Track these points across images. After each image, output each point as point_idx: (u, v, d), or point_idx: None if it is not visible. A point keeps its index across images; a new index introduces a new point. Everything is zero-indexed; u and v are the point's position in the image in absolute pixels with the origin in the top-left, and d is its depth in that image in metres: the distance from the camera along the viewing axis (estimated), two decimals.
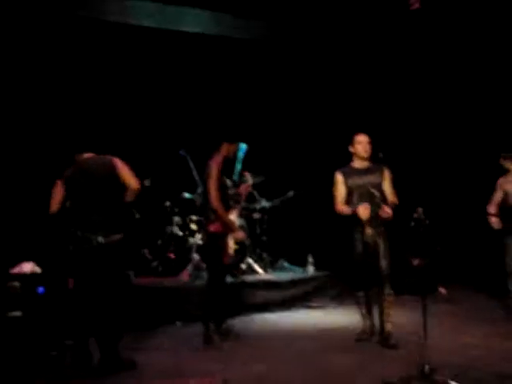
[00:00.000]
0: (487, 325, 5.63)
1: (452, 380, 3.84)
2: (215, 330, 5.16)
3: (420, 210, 4.18)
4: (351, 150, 5.17)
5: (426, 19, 7.98)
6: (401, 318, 5.46)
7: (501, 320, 5.86)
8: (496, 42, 7.92)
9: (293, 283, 7.08)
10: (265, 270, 7.35)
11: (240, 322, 5.97)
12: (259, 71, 8.37)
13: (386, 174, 5.11)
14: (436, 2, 7.78)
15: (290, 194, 7.72)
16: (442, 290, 6.89)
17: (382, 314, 5.02)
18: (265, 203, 7.65)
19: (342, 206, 5.10)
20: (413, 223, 4.12)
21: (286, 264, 7.83)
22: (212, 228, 5.24)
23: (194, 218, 7.24)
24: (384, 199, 5.00)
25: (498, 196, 6.03)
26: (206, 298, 5.36)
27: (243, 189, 6.04)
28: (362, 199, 4.97)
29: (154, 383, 4.15)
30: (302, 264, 7.60)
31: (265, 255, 7.58)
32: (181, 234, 7.25)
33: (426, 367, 3.93)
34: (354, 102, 8.70)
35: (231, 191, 5.53)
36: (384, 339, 4.95)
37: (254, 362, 4.58)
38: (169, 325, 5.99)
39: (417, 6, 7.78)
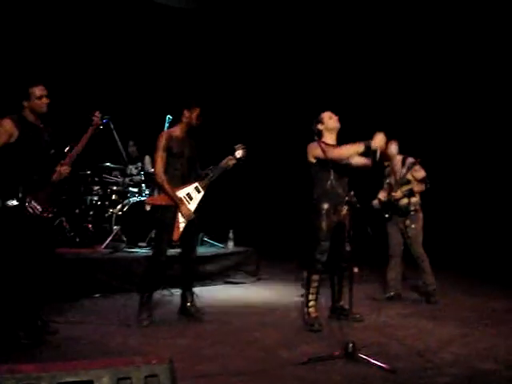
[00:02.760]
0: (399, 305, 5.91)
1: (373, 357, 4.00)
2: (146, 304, 5.03)
3: (351, 193, 4.27)
4: (320, 127, 4.96)
5: None
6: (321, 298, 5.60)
7: (415, 301, 6.19)
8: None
9: (213, 258, 7.10)
10: None
11: (162, 296, 5.93)
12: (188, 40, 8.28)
13: None
14: None
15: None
16: (355, 269, 7.10)
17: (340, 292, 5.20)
18: None
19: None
20: (345, 206, 4.20)
21: (206, 239, 7.81)
22: (149, 199, 5.12)
23: (114, 188, 7.04)
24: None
25: None
26: (144, 271, 5.30)
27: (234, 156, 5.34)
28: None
29: (85, 363, 3.99)
30: (223, 240, 7.62)
31: None
32: (100, 203, 7.03)
33: (350, 345, 4.08)
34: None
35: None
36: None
37: (179, 337, 4.57)
38: (87, 298, 5.84)
39: None
